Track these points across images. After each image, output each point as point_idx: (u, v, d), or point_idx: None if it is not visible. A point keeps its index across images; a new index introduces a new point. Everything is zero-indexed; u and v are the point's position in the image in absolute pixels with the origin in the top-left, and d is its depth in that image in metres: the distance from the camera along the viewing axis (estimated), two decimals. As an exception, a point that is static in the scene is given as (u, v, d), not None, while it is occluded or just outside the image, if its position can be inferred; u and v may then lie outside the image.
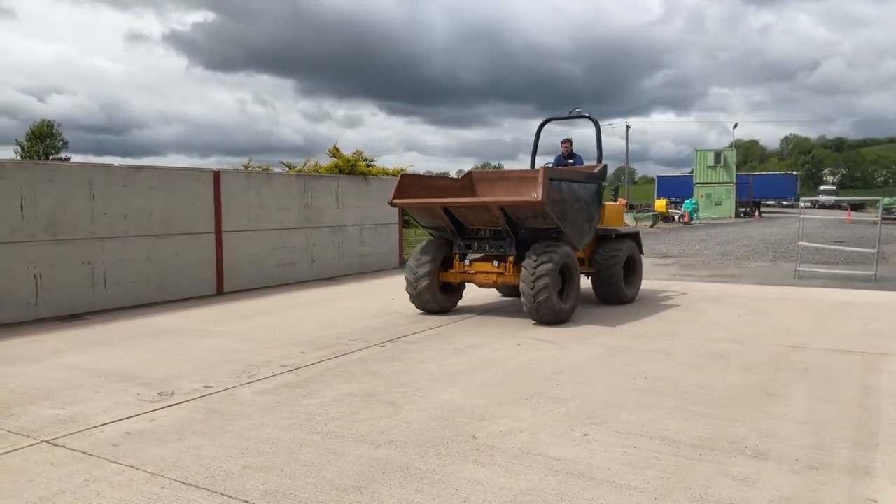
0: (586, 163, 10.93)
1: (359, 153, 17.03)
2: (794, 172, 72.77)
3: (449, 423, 4.75)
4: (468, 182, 10.64)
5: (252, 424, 4.79)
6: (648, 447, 4.25)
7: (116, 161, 11.08)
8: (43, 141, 70.28)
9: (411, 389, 5.62)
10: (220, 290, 11.84)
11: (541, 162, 11.40)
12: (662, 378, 5.87)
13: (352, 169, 15.96)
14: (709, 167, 53.55)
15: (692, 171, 56.48)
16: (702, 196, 52.62)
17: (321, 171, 16.23)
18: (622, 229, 10.33)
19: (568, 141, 11.07)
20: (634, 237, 10.58)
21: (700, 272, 14.64)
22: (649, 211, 42.98)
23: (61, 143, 72.66)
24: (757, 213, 53.97)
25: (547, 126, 11.36)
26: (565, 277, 8.50)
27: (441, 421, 4.81)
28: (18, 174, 9.13)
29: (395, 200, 9.13)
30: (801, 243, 14.73)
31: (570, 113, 10.43)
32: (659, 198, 52.47)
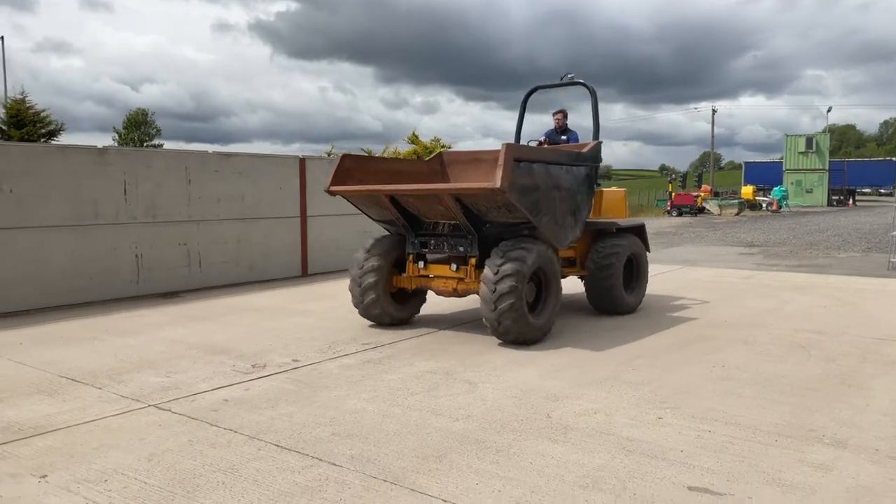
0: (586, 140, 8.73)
1: (436, 140, 17.30)
2: (894, 159, 68.63)
3: (524, 402, 4.91)
4: (438, 165, 8.83)
5: (338, 396, 5.08)
6: (723, 431, 4.29)
7: (208, 147, 11.67)
8: (138, 128, 73.84)
9: (487, 369, 5.80)
10: (305, 272, 12.33)
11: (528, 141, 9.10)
12: (741, 367, 5.83)
13: (429, 155, 16.22)
14: (800, 153, 51.22)
15: (782, 158, 54.15)
16: (791, 183, 50.44)
17: (399, 156, 16.57)
18: (623, 222, 8.53)
19: (560, 112, 8.85)
20: (638, 231, 8.72)
21: (786, 262, 14.18)
22: (735, 198, 41.57)
23: (155, 130, 76.08)
24: (851, 202, 51.29)
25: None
26: (541, 286, 6.79)
27: (516, 400, 4.97)
28: (120, 160, 9.79)
29: (332, 188, 7.26)
30: (895, 233, 14.02)
31: (562, 79, 8.46)
32: (746, 185, 50.55)
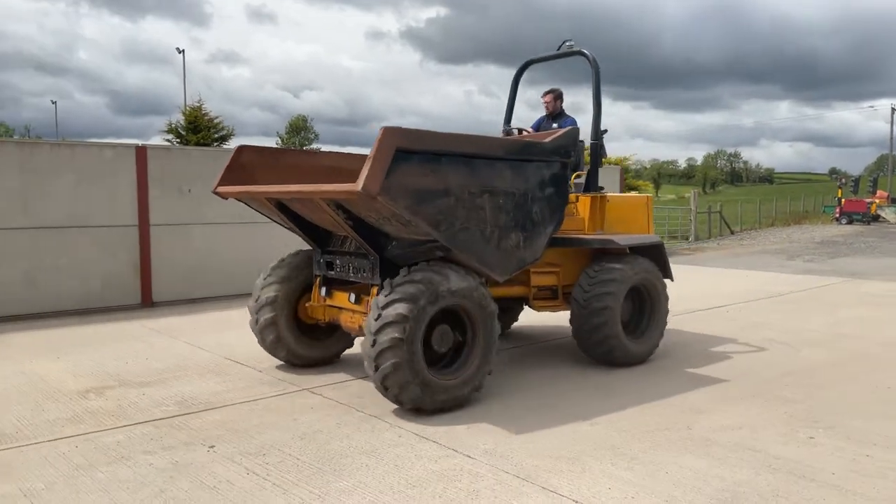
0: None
1: (580, 142, 17.05)
2: None
3: (663, 412, 4.80)
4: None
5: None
6: (883, 457, 3.97)
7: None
8: (298, 133, 79.05)
9: (623, 376, 5.72)
10: (147, 301, 9.48)
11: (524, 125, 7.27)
12: (910, 389, 5.34)
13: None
14: None
15: (976, 161, 48.16)
16: None
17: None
18: (630, 239, 6.18)
19: (551, 93, 7.05)
20: (652, 252, 6.28)
21: (975, 278, 12.65)
22: (916, 206, 37.54)
23: (313, 135, 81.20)
24: None
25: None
26: (465, 331, 4.93)
27: (655, 409, 4.87)
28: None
29: (220, 188, 5.65)
30: None
31: (559, 49, 6.78)
32: (930, 191, 45.45)
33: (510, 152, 5.04)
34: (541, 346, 6.85)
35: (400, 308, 4.46)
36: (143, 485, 3.60)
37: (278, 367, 5.92)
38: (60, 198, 8.66)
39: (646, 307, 6.17)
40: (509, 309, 6.02)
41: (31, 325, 7.98)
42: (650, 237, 6.48)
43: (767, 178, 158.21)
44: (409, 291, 4.52)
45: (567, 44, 6.71)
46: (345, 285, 5.52)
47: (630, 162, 19.13)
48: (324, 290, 5.62)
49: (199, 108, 26.41)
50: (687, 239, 22.29)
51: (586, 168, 6.50)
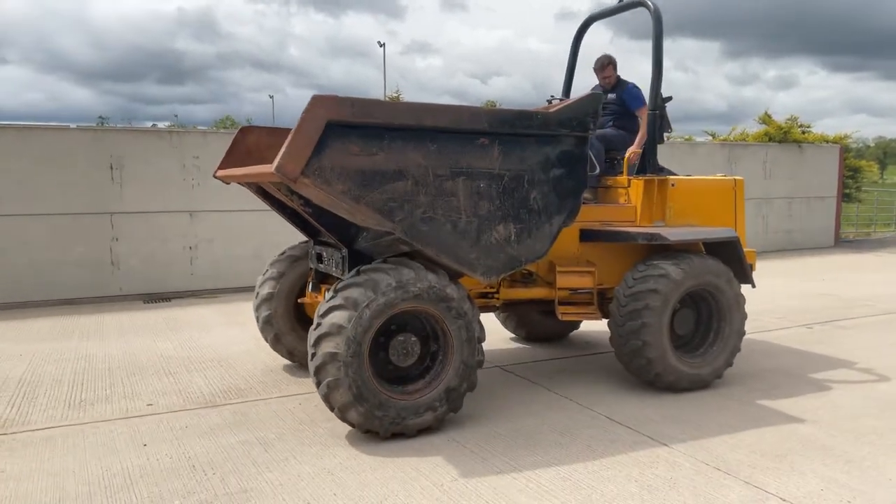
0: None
1: (794, 119, 15.67)
2: None
3: (886, 413, 4.36)
4: None
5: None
6: None
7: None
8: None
9: (842, 373, 5.26)
10: None
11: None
12: None
13: (784, 137, 14.80)
14: None
15: None
16: None
17: (748, 140, 15.42)
18: (688, 233, 5.01)
19: (609, 65, 5.86)
20: (724, 249, 5.08)
21: None
22: None
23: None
24: None
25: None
26: (440, 342, 4.14)
27: (876, 410, 4.44)
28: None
29: (219, 172, 5.10)
30: None
31: (621, 1, 5.67)
32: None
33: (496, 125, 4.05)
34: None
35: (337, 317, 3.79)
36: (362, 438, 3.96)
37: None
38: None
39: (713, 319, 4.98)
40: (552, 312, 5.14)
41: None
42: (719, 231, 5.15)
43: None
44: (351, 296, 3.81)
45: None
46: (336, 280, 4.77)
47: (851, 140, 17.21)
48: (311, 284, 5.15)
49: (398, 98, 27.79)
50: (919, 227, 19.69)
51: (666, 137, 5.40)
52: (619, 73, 5.89)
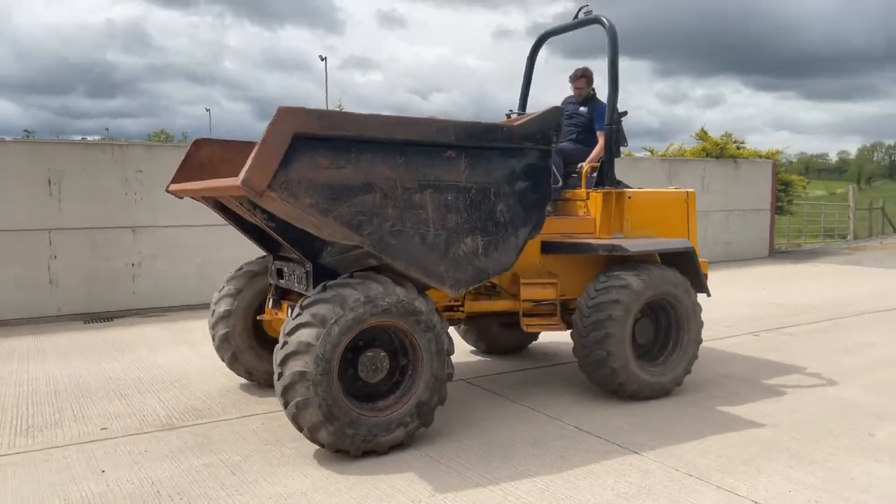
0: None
1: (728, 135, 16.29)
2: None
3: (840, 416, 4.53)
4: None
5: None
6: None
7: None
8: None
9: (795, 378, 5.44)
10: None
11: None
12: None
13: (720, 152, 15.36)
14: None
15: None
16: None
17: (686, 155, 15.93)
18: (647, 244, 5.09)
19: (583, 77, 5.97)
20: (681, 260, 5.20)
21: None
22: None
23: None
24: None
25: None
26: (409, 356, 4.09)
27: (831, 413, 4.61)
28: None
29: (173, 186, 4.93)
30: None
31: (576, 16, 5.75)
32: None
33: (462, 138, 4.05)
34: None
35: (305, 335, 3.71)
36: (332, 457, 3.86)
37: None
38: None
39: (671, 328, 5.07)
40: (516, 325, 5.18)
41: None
42: (675, 241, 5.28)
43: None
44: (319, 313, 3.73)
45: (584, 9, 5.67)
46: (298, 296, 4.69)
47: (782, 155, 18.00)
48: (271, 301, 4.98)
49: (293, 106, 27.67)
50: (845, 238, 20.68)
51: (625, 149, 5.46)
52: (594, 88, 6.00)
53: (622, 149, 5.68)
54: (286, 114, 3.48)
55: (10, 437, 4.27)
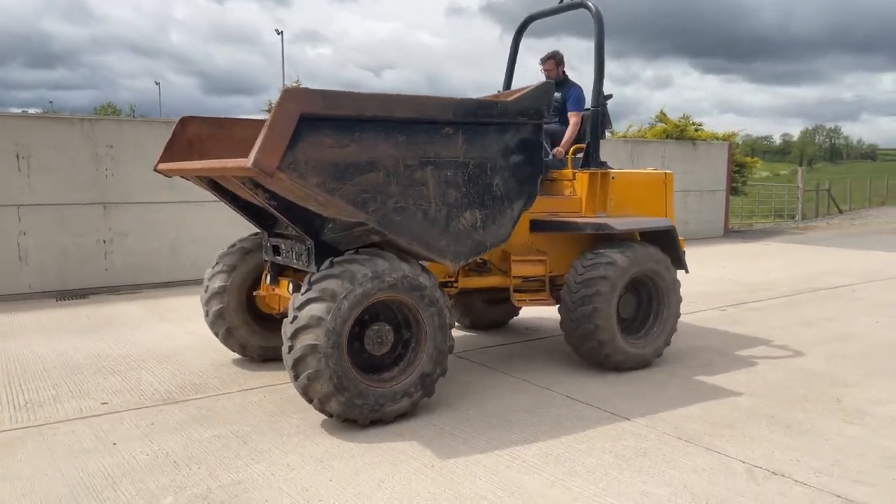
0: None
1: (686, 117, 16.78)
2: None
3: (810, 383, 4.87)
4: None
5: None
6: None
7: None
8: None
9: (763, 350, 5.78)
10: None
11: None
12: None
13: (680, 134, 15.81)
14: None
15: None
16: None
17: (647, 137, 16.34)
18: (630, 223, 5.34)
19: (552, 58, 6.09)
20: (662, 238, 5.47)
21: None
22: None
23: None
24: None
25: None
26: (412, 330, 4.25)
27: (801, 381, 4.94)
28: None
29: (161, 166, 4.96)
30: None
31: (561, 1, 5.90)
32: None
33: (460, 115, 4.16)
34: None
35: (316, 309, 3.82)
36: (339, 427, 3.99)
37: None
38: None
39: (652, 303, 5.35)
40: (502, 301, 5.32)
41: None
42: (658, 221, 5.57)
43: (870, 154, 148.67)
44: (329, 288, 3.85)
45: None
46: (295, 272, 4.89)
47: (738, 137, 18.58)
48: (269, 277, 5.08)
49: (298, 86, 27.28)
50: (793, 218, 21.53)
51: (611, 133, 5.70)
52: (564, 71, 6.10)
53: (609, 130, 5.85)
54: (291, 95, 3.55)
55: (11, 413, 4.28)
